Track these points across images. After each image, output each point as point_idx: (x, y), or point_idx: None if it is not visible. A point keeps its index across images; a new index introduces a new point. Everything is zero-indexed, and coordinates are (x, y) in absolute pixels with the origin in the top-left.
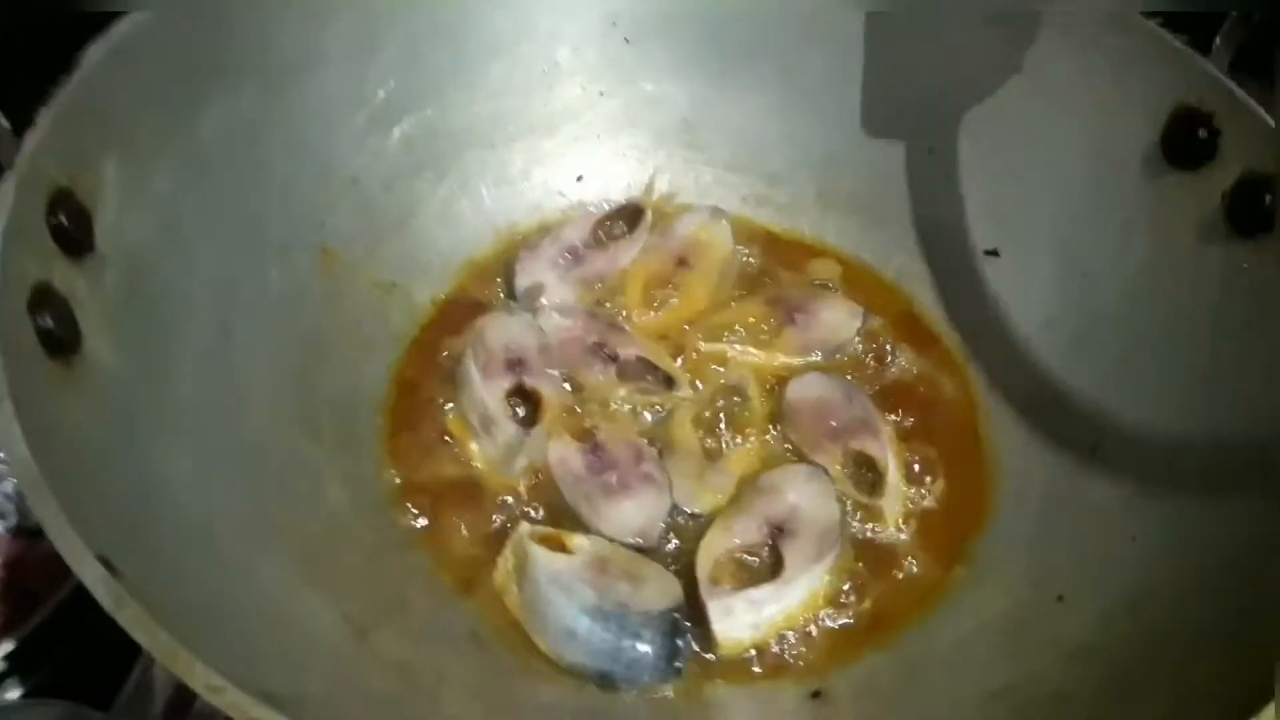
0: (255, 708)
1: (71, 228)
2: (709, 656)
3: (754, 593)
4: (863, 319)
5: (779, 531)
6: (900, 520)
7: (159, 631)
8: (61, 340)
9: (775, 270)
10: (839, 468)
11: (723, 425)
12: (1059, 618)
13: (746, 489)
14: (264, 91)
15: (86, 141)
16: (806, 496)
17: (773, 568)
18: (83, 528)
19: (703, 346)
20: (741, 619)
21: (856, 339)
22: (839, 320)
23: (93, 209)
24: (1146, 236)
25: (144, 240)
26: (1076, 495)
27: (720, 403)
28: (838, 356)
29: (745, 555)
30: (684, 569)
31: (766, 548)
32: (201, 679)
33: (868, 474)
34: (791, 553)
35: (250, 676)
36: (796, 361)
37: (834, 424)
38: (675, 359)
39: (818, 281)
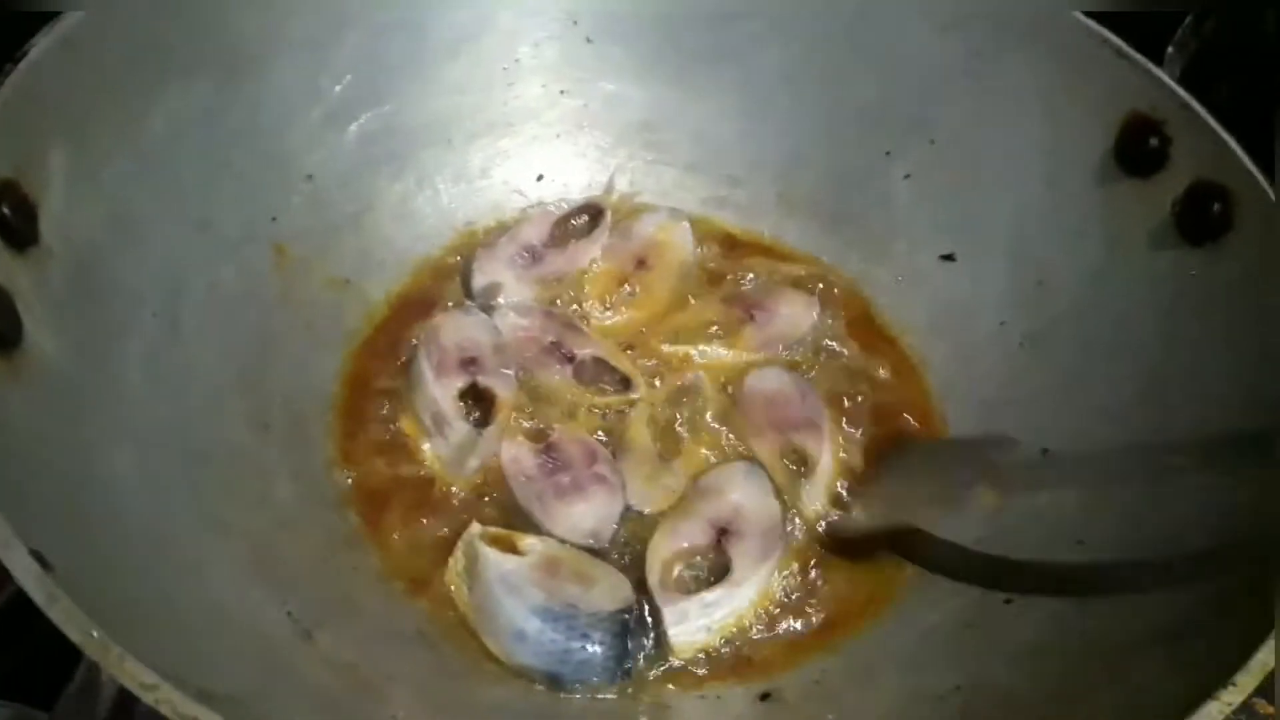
0: (187, 704)
1: (15, 220)
2: (658, 658)
3: (707, 595)
4: (819, 308)
5: (724, 533)
6: (819, 515)
7: (91, 627)
8: (1, 333)
9: (733, 270)
10: (776, 459)
11: (678, 426)
12: (1007, 620)
13: (689, 491)
14: (218, 84)
15: (33, 132)
16: (747, 495)
17: (720, 569)
18: (18, 521)
19: (662, 348)
20: (695, 622)
21: (825, 338)
22: (796, 313)
23: (38, 201)
24: (1099, 243)
25: (92, 233)
26: (1026, 497)
27: (676, 404)
28: (794, 353)
29: (692, 559)
30: (636, 569)
31: (713, 550)
32: (133, 675)
33: (801, 470)
34: (738, 554)
35: (188, 674)
36: (758, 358)
37: (781, 417)
38: (632, 359)
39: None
